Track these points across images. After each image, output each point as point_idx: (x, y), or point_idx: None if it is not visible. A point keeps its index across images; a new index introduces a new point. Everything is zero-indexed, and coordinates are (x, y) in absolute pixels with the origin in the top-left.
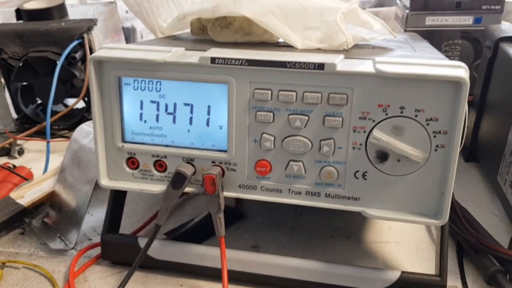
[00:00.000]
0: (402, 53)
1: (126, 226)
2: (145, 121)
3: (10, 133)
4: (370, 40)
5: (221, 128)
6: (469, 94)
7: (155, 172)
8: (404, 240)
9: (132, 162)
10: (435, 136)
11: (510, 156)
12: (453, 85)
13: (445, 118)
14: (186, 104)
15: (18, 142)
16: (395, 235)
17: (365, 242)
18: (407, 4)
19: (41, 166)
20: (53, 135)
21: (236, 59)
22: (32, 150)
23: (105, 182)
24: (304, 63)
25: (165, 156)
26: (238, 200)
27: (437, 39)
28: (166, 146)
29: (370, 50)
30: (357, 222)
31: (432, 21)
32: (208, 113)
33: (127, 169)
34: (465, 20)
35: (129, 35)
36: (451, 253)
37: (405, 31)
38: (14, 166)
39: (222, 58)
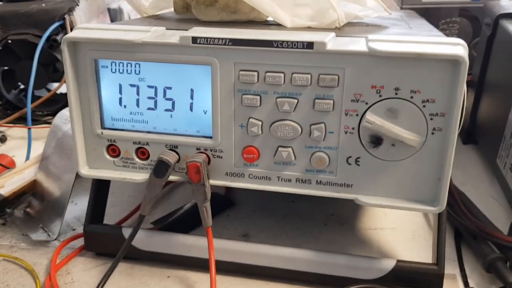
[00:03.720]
0: (397, 30)
1: (112, 216)
2: (124, 106)
3: None
4: (363, 18)
5: (205, 113)
6: (468, 74)
7: (137, 160)
8: (400, 226)
9: (113, 150)
10: (431, 119)
11: (510, 138)
12: (451, 64)
13: (443, 99)
14: (167, 88)
15: (0, 129)
16: (391, 222)
17: (359, 229)
18: None
19: (24, 153)
20: (37, 121)
21: (219, 39)
22: (15, 137)
23: (84, 171)
24: (292, 42)
25: (147, 143)
26: (228, 188)
27: (434, 17)
28: (148, 132)
29: (364, 28)
30: (351, 209)
31: None
32: (191, 97)
33: (108, 157)
34: None
35: (115, 16)
36: (449, 239)
37: (402, 8)
38: None
39: (204, 38)
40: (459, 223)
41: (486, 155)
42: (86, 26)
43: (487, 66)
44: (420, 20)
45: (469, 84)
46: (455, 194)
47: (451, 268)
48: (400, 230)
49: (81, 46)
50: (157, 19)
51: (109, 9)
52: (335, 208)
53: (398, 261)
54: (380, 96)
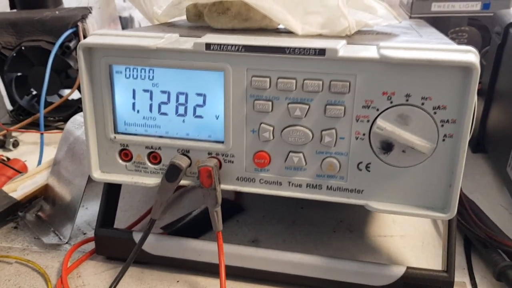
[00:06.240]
0: (408, 38)
1: (122, 221)
2: (138, 111)
3: (4, 125)
4: (374, 26)
5: (217, 118)
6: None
7: (149, 164)
8: (409, 234)
9: (125, 154)
10: (442, 126)
11: None
12: (462, 71)
13: (454, 106)
14: (180, 93)
15: (13, 134)
16: (400, 229)
17: (368, 236)
18: None
19: (36, 158)
20: (49, 127)
21: (232, 45)
22: (28, 142)
23: (97, 175)
24: (304, 48)
25: (159, 148)
26: (237, 193)
27: (443, 26)
28: (160, 137)
29: (374, 36)
30: (360, 216)
31: (438, 7)
32: (204, 102)
33: (120, 161)
34: (473, 6)
35: (126, 24)
36: (459, 247)
37: (410, 18)
38: (8, 159)
39: (218, 44)
40: (469, 231)
41: (496, 164)
42: (101, 32)
43: (497, 75)
44: (429, 28)
45: (479, 92)
46: (464, 202)
47: (460, 276)
48: (409, 238)
49: (96, 51)
50: (169, 26)
51: (120, 18)
52: (344, 215)
53: (408, 267)
54: (391, 102)
